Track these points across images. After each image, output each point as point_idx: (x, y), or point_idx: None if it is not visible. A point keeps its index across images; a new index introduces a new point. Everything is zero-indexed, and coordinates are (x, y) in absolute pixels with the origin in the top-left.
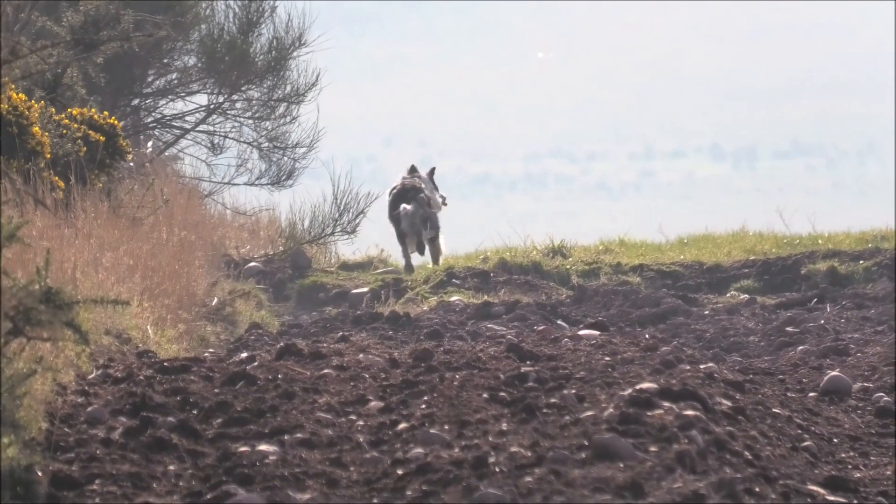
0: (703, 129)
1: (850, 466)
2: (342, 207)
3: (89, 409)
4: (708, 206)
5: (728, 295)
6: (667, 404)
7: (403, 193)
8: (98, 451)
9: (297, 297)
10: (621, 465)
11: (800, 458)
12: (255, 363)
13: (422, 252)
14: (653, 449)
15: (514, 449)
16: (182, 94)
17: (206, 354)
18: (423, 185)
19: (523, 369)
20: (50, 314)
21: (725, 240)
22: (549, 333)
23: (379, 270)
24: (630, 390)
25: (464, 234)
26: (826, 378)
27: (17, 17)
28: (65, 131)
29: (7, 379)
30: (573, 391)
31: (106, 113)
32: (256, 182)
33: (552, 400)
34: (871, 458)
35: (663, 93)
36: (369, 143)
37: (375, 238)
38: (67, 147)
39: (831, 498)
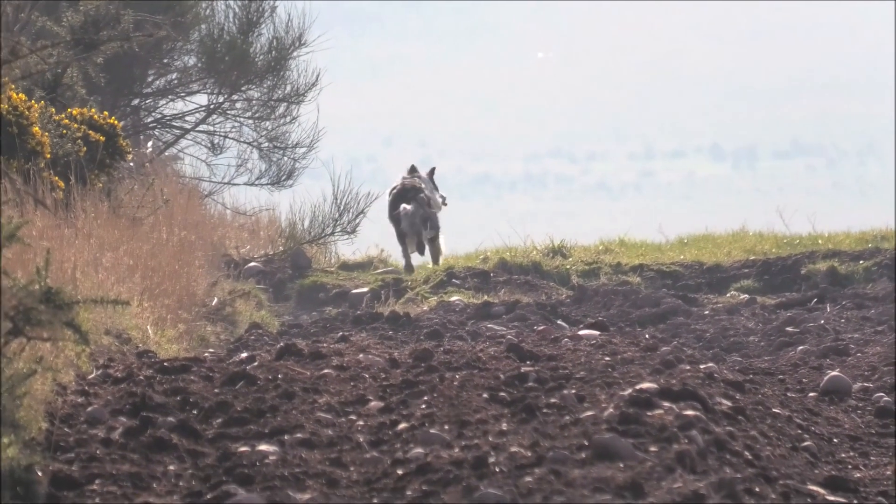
0: (703, 129)
1: (850, 466)
2: (342, 207)
3: (89, 409)
4: (708, 206)
5: (728, 295)
6: (667, 404)
7: (403, 193)
8: (98, 451)
9: (297, 297)
10: (621, 465)
11: (800, 458)
12: (255, 363)
13: (422, 252)
14: (653, 449)
15: (514, 449)
16: (182, 94)
17: (206, 354)
18: (423, 185)
19: (523, 369)
20: (50, 314)
21: (725, 240)
22: (549, 333)
23: (379, 270)
24: (630, 390)
25: (464, 234)
26: (826, 378)
27: (17, 17)
28: (65, 131)
29: (7, 379)
30: (573, 391)
31: (106, 113)
32: (256, 182)
33: (552, 400)
34: (871, 458)
35: (663, 93)
36: (369, 143)
37: (375, 238)
38: (67, 147)
39: (831, 498)
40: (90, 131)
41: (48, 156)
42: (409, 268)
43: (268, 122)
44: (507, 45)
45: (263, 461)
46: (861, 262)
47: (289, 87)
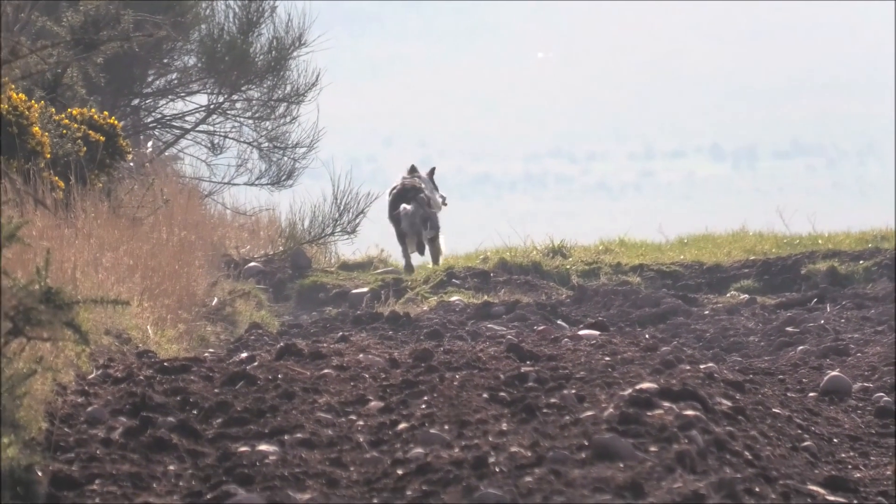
0: (703, 129)
1: (850, 466)
2: (342, 207)
3: (89, 409)
4: (708, 206)
5: (728, 295)
6: (667, 404)
7: (403, 193)
8: (98, 451)
9: (297, 297)
10: (621, 465)
11: (800, 458)
12: (255, 363)
13: (422, 252)
14: (653, 449)
15: (514, 449)
16: (182, 94)
17: (206, 354)
18: (423, 185)
19: (523, 369)
20: (50, 314)
21: (725, 240)
22: (549, 333)
23: (379, 270)
24: (630, 390)
25: (464, 234)
26: (826, 378)
27: (17, 17)
28: (65, 131)
29: (7, 379)
30: (573, 391)
31: (106, 113)
32: (256, 182)
33: (552, 400)
34: (871, 458)
35: (663, 93)
36: (369, 143)
37: (375, 238)
38: (67, 147)
39: (831, 498)
40: (90, 131)
41: (48, 156)
42: (409, 268)
43: (268, 122)
44: (507, 45)
45: (263, 461)
46: (861, 262)
47: (289, 87)
